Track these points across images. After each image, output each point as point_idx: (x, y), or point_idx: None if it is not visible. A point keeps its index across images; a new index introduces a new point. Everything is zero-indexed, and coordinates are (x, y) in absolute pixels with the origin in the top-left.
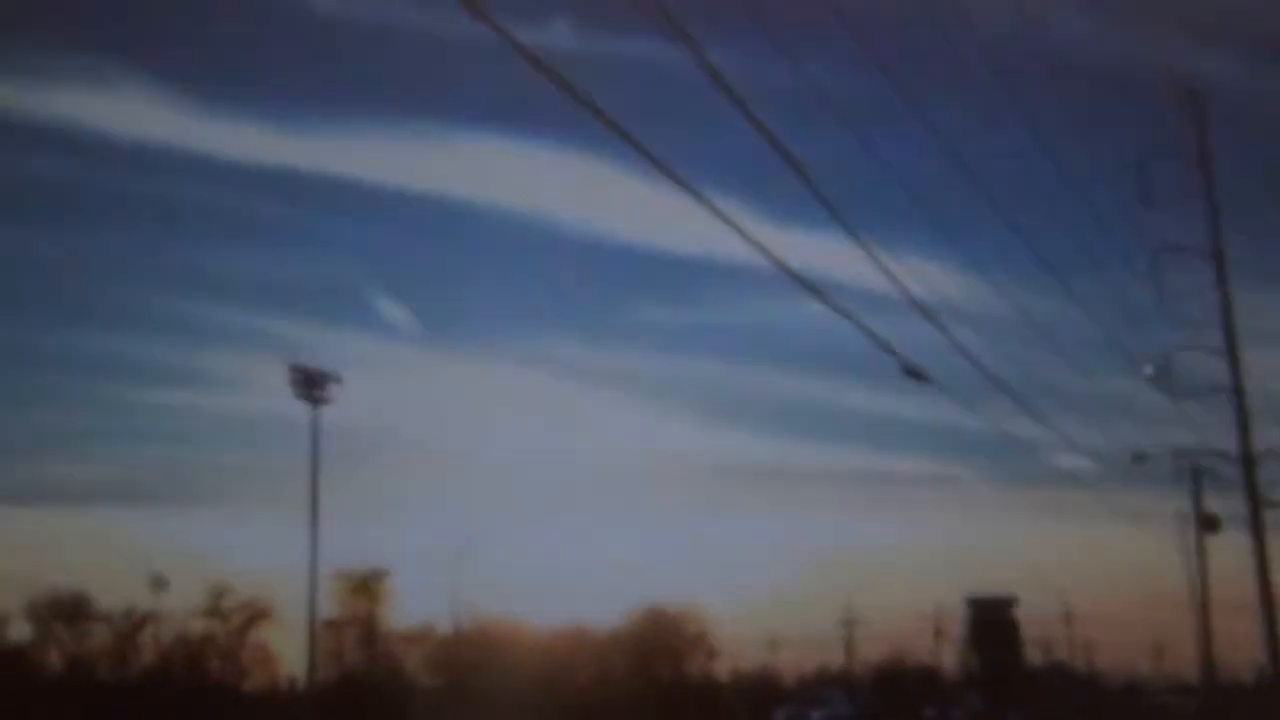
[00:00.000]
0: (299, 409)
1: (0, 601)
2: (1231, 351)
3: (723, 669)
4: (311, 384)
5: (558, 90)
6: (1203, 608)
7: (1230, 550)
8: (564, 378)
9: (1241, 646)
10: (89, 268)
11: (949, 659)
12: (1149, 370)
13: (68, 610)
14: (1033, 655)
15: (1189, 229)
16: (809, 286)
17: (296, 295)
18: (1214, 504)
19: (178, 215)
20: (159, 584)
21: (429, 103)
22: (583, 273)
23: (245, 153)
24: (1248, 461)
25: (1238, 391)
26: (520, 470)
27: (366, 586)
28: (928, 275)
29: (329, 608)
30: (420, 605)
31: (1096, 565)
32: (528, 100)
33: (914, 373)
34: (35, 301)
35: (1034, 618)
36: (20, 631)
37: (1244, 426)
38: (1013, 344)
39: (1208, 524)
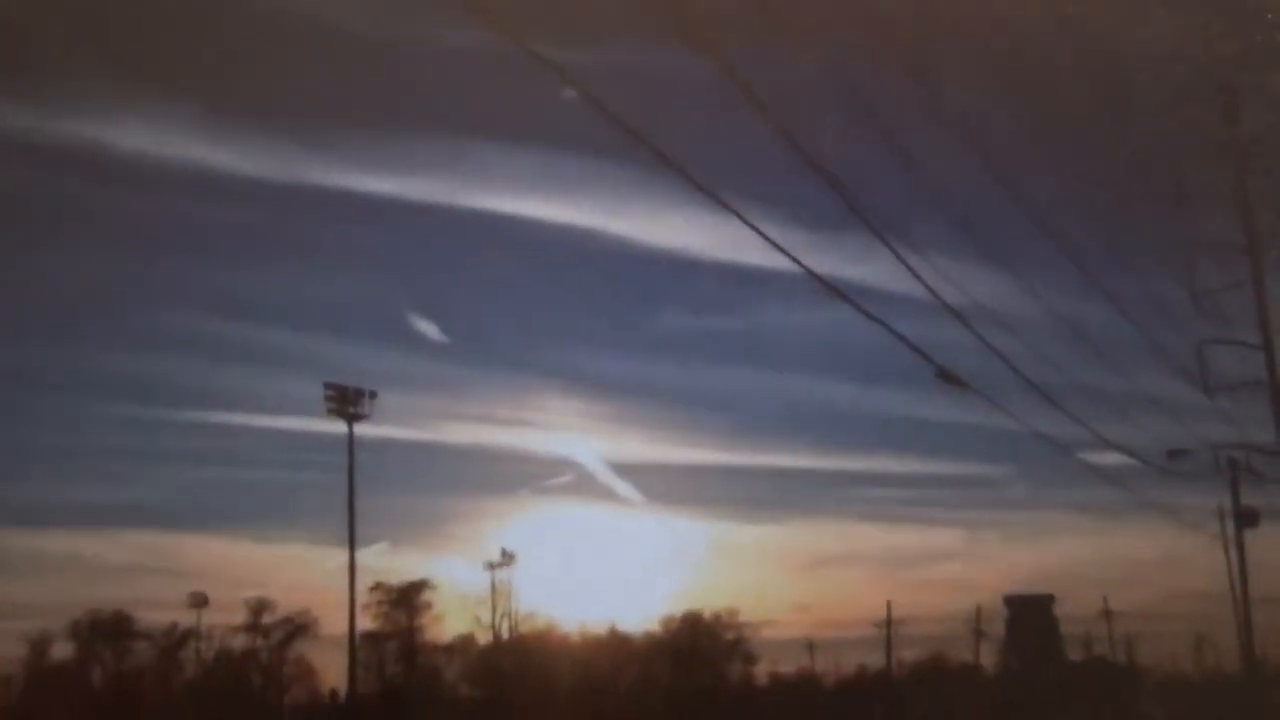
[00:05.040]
0: (335, 426)
1: (43, 622)
2: (1267, 345)
3: (761, 673)
4: (347, 401)
5: (582, 101)
6: (1242, 601)
7: (1269, 544)
8: (596, 386)
9: None
10: (115, 290)
11: (989, 659)
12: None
13: (110, 629)
14: (1073, 652)
15: (1224, 224)
16: (839, 292)
17: (328, 313)
18: (1252, 498)
19: (203, 235)
20: (199, 602)
21: (450, 116)
22: (612, 283)
23: (269, 170)
24: None
25: (1274, 385)
26: (555, 478)
27: (405, 599)
28: (958, 276)
29: (369, 621)
30: (459, 617)
31: (1136, 562)
32: (553, 111)
33: (949, 377)
34: (65, 325)
35: (1073, 615)
36: (63, 651)
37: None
38: (1046, 344)
39: (1246, 518)
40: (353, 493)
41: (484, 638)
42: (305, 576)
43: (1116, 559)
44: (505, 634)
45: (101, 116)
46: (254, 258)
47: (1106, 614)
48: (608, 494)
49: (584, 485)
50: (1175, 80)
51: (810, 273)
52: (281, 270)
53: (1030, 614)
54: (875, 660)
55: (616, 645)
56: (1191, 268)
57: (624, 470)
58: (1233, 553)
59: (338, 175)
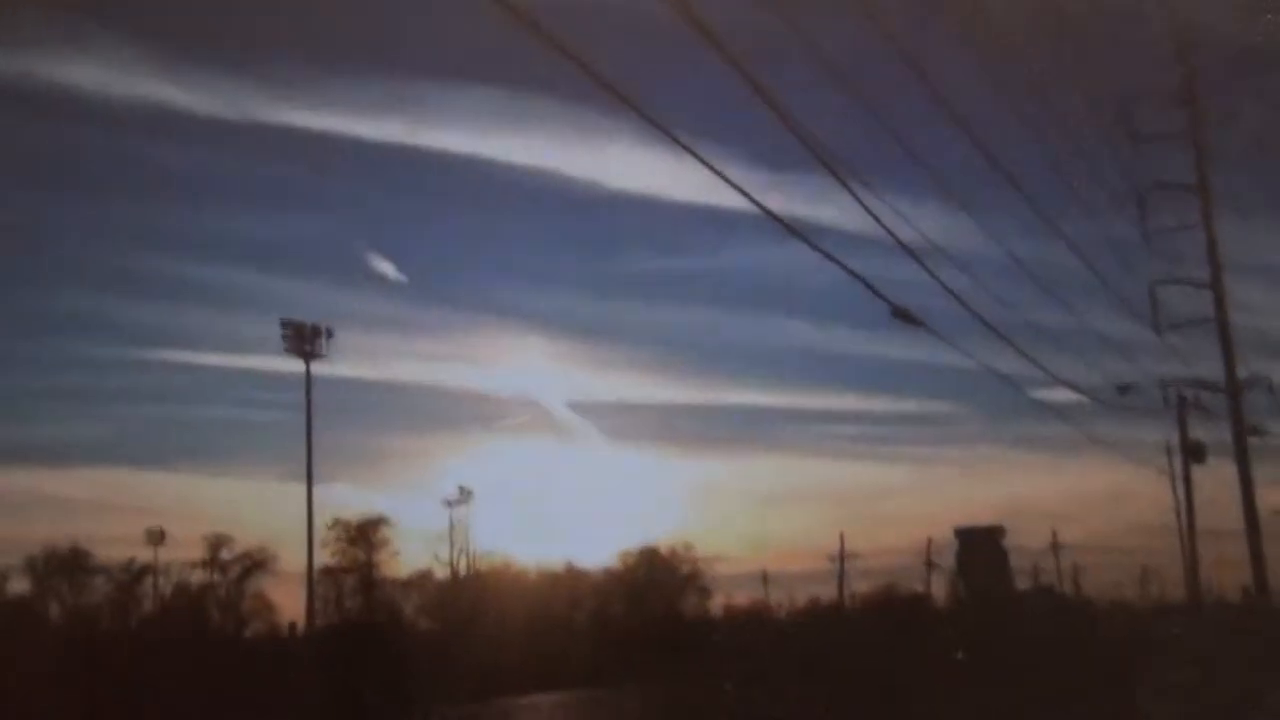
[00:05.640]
0: (293, 364)
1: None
2: (1216, 284)
3: (716, 605)
4: (303, 339)
5: (540, 42)
6: (1188, 534)
7: (1216, 478)
8: (555, 326)
9: (1228, 571)
10: (71, 230)
11: (940, 590)
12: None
13: (66, 564)
14: (1021, 583)
15: (1176, 167)
16: (796, 232)
17: (286, 252)
18: (1200, 433)
19: (159, 175)
20: (156, 538)
21: (411, 57)
22: (571, 223)
23: (227, 111)
24: (1232, 390)
25: (1222, 323)
26: (514, 417)
27: (363, 535)
28: (914, 216)
29: (327, 557)
30: (417, 552)
31: (1085, 497)
32: (512, 52)
33: (904, 315)
34: (20, 264)
35: (1023, 548)
36: (19, 586)
37: (1229, 356)
38: (1000, 283)
39: (1193, 453)
40: (310, 430)
41: (442, 574)
42: (264, 513)
43: (1066, 494)
44: (463, 570)
45: (51, 54)
46: (211, 197)
47: (1055, 546)
48: (566, 432)
49: (542, 424)
50: (1130, 26)
51: (767, 212)
52: (238, 210)
53: (980, 545)
54: (828, 593)
55: (573, 581)
56: (1143, 208)
57: (582, 409)
58: (1180, 487)
59: (290, 114)
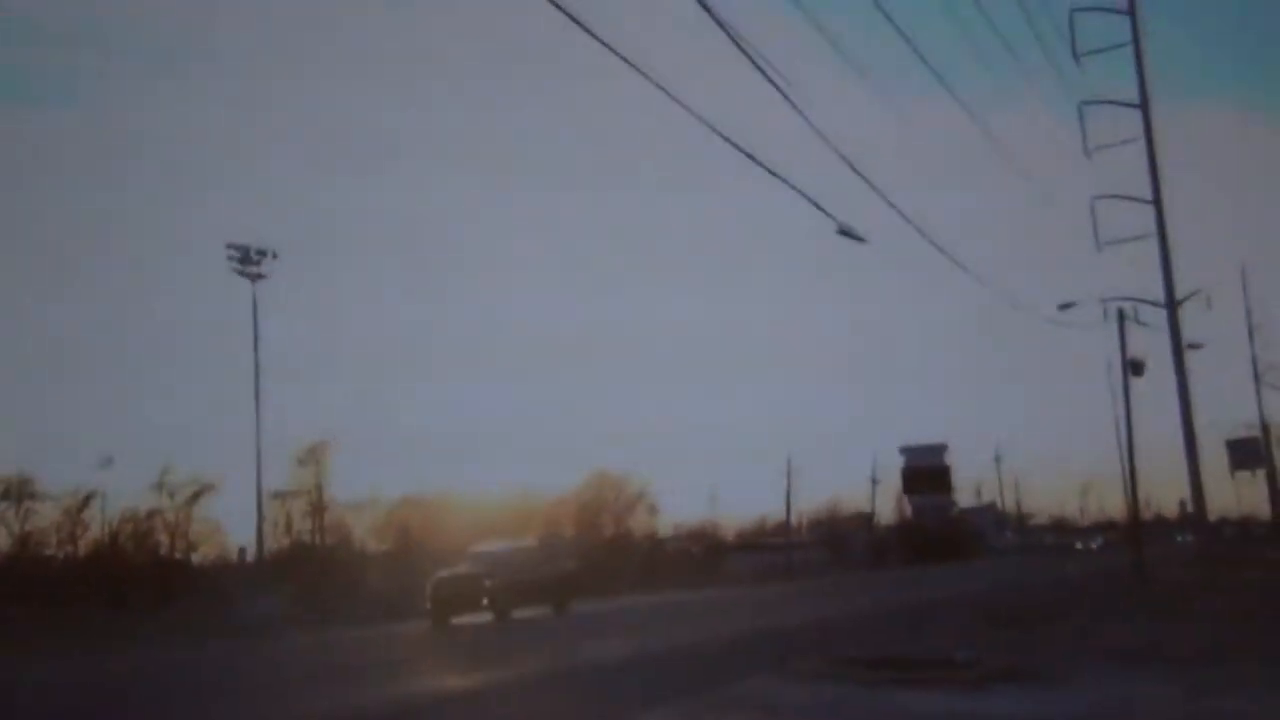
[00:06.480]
0: (239, 284)
1: None
2: (1157, 200)
3: (665, 524)
4: (248, 260)
5: None
6: (1128, 448)
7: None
8: (502, 241)
9: (1167, 485)
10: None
11: (886, 508)
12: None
13: (13, 491)
14: (965, 499)
15: (1119, 80)
16: (742, 150)
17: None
18: (1140, 348)
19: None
20: (104, 463)
21: None
22: (511, 133)
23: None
24: (1171, 305)
25: (1162, 239)
26: (464, 340)
27: (312, 457)
28: (862, 127)
29: (276, 480)
30: (368, 475)
31: (1028, 412)
32: None
33: (849, 233)
34: None
35: (966, 463)
36: None
37: (1168, 271)
38: (947, 202)
39: (1133, 368)
40: (257, 351)
41: (392, 497)
42: (212, 437)
43: (1009, 409)
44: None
45: None
46: None
47: (997, 461)
48: None
49: None
50: None
51: (715, 130)
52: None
53: (924, 462)
54: (775, 512)
55: (525, 502)
56: (1084, 124)
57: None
58: (1119, 402)
59: None
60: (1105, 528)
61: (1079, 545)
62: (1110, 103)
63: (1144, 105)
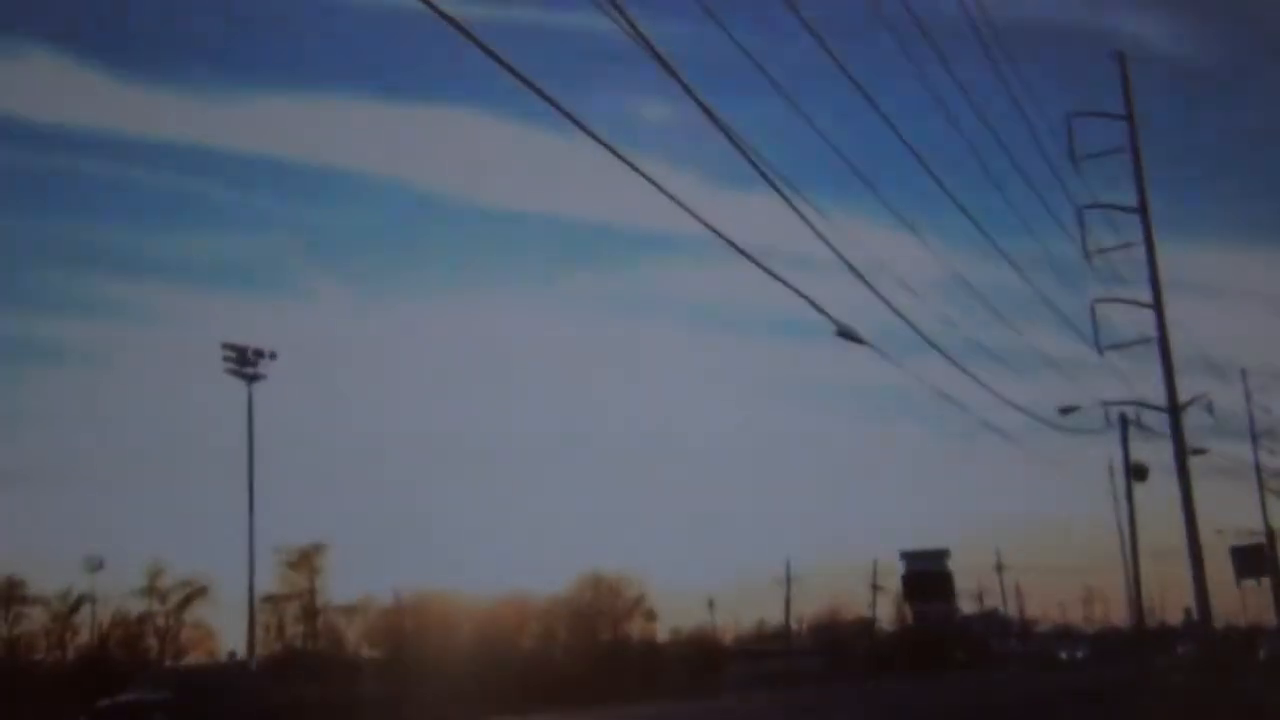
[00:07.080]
0: (234, 386)
1: None
2: (1158, 303)
3: (662, 630)
4: (245, 361)
5: (489, 59)
6: (1132, 554)
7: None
8: (498, 346)
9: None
10: (8, 250)
11: (886, 612)
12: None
13: (2, 594)
14: (967, 605)
15: (1116, 186)
16: (740, 250)
17: (225, 272)
18: (1142, 453)
19: (95, 194)
20: (94, 566)
21: (348, 74)
22: (514, 243)
23: (163, 130)
24: (1174, 410)
25: (1164, 342)
26: (458, 441)
27: (305, 560)
28: (860, 236)
29: (268, 583)
30: (360, 579)
31: (1030, 517)
32: (457, 70)
33: (849, 335)
34: None
35: (968, 569)
36: None
37: (1170, 376)
38: (945, 303)
39: (1136, 473)
40: (252, 454)
41: (385, 599)
42: (204, 540)
43: (1011, 514)
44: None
45: None
46: (140, 216)
47: (999, 568)
48: None
49: None
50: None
51: (715, 231)
52: (173, 229)
53: (925, 568)
54: (774, 616)
55: (518, 605)
56: (1084, 228)
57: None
58: (1123, 507)
59: (231, 134)
60: (1103, 636)
61: (1063, 655)
62: (1109, 207)
63: (1143, 209)
